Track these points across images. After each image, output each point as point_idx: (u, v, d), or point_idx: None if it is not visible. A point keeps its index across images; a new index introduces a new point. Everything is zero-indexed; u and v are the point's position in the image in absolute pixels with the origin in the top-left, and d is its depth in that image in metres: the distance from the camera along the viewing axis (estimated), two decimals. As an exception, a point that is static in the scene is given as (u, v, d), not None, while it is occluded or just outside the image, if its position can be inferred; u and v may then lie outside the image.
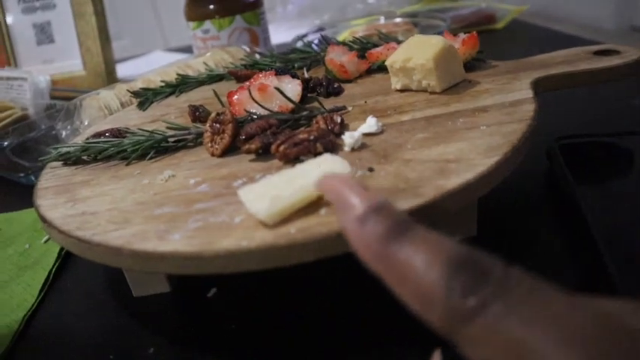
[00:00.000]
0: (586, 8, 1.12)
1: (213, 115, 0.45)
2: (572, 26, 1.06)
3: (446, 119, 0.43)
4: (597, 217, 0.39)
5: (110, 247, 0.34)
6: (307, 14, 1.32)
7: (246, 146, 0.41)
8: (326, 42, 0.64)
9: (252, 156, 0.42)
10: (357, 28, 0.99)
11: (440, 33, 0.75)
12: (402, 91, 0.51)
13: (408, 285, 0.23)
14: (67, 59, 1.07)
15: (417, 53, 0.49)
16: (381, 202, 0.26)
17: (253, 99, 0.46)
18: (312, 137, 0.40)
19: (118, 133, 0.49)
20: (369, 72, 0.59)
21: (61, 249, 0.52)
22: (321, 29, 1.00)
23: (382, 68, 0.58)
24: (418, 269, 0.23)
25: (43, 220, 0.39)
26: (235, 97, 0.49)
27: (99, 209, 0.39)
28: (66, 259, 0.51)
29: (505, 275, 0.22)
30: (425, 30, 0.86)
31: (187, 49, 1.33)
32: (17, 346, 0.41)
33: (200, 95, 0.62)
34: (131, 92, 0.63)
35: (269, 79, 0.49)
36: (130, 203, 0.39)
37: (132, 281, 0.42)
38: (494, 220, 0.44)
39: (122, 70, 1.18)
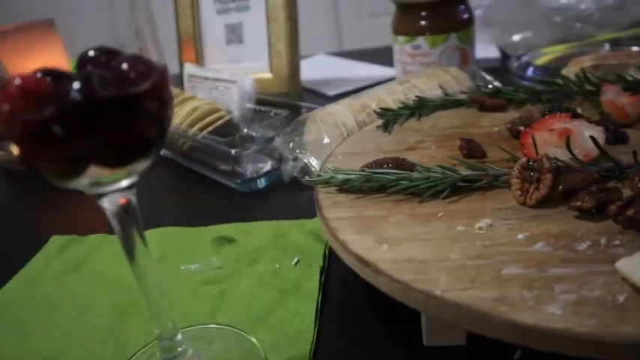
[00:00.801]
0: None
1: (523, 160, 0.42)
2: None
3: None
4: None
5: (476, 312, 0.31)
6: (482, 28, 1.27)
7: (579, 203, 0.38)
8: (586, 77, 0.60)
9: (574, 212, 0.39)
10: (556, 54, 0.94)
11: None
12: None
13: None
14: (254, 61, 1.08)
15: None
16: None
17: (569, 149, 0.42)
18: (665, 203, 0.36)
19: (399, 163, 0.47)
20: (645, 116, 0.54)
21: (321, 276, 0.50)
22: (521, 56, 0.96)
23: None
24: None
25: (364, 262, 0.38)
26: (533, 138, 0.45)
27: (425, 257, 0.37)
28: (324, 288, 0.50)
29: None
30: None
31: (348, 55, 1.32)
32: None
33: (446, 122, 0.60)
34: (376, 112, 0.61)
35: (570, 124, 0.45)
36: (461, 255, 0.36)
37: (430, 330, 0.40)
38: None
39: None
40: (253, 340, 0.44)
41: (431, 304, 0.33)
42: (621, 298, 0.30)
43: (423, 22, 0.83)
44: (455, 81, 0.73)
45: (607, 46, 0.86)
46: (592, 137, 0.43)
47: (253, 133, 0.76)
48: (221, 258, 0.56)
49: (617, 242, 0.35)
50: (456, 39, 0.82)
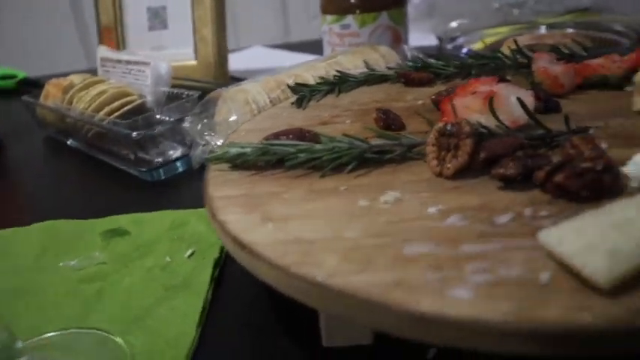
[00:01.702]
0: None
1: (439, 126, 0.36)
2: None
3: None
4: None
5: (365, 300, 0.24)
6: (423, 17, 1.23)
7: (501, 170, 0.32)
8: (519, 49, 0.54)
9: (497, 182, 0.33)
10: (493, 38, 0.90)
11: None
12: (647, 114, 0.41)
13: None
14: (179, 47, 1.00)
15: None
16: None
17: (492, 112, 0.36)
18: (599, 167, 0.30)
19: (302, 135, 0.40)
20: (581, 87, 0.49)
21: (214, 271, 0.43)
22: (454, 38, 0.91)
23: (598, 84, 0.48)
24: None
25: (240, 244, 0.30)
26: (454, 103, 0.39)
27: (316, 237, 0.30)
28: (217, 284, 0.42)
29: None
30: (606, 46, 0.75)
31: (286, 47, 1.26)
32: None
33: (368, 97, 0.53)
34: (290, 87, 0.54)
35: (496, 87, 0.39)
36: (359, 233, 0.30)
37: (328, 327, 0.33)
38: None
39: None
40: (121, 344, 0.36)
41: (313, 293, 0.26)
42: (544, 277, 0.24)
43: (352, 0, 0.77)
44: (383, 59, 0.67)
45: (543, 29, 0.82)
46: (519, 99, 0.37)
47: (159, 116, 0.68)
48: (107, 252, 0.48)
49: (544, 213, 0.29)
50: (387, 18, 0.76)
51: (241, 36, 1.66)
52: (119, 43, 1.03)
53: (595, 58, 0.49)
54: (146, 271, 0.44)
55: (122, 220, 0.53)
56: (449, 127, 0.35)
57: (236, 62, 1.09)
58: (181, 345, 0.36)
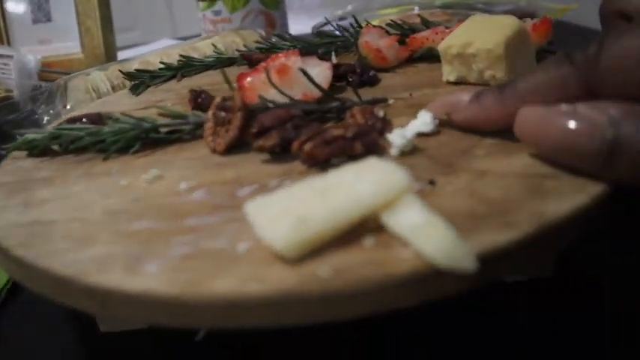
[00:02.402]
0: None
1: (217, 100, 0.35)
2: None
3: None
4: None
5: (57, 277, 0.23)
6: (329, 5, 1.22)
7: (260, 142, 0.31)
8: (358, 24, 0.54)
9: (267, 156, 0.32)
10: (385, 19, 0.89)
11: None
12: (455, 83, 0.41)
13: (547, 91, 0.27)
14: (65, 40, 0.97)
15: (481, 36, 0.38)
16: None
17: (271, 83, 0.35)
18: (349, 134, 0.29)
19: (98, 119, 0.39)
20: (410, 61, 0.48)
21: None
22: (342, 19, 0.90)
23: (427, 57, 0.47)
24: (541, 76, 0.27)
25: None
26: (248, 80, 0.38)
27: (56, 218, 0.29)
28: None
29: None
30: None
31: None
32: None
33: (206, 80, 0.52)
34: (123, 74, 0.52)
35: (291, 60, 0.39)
36: (98, 212, 0.28)
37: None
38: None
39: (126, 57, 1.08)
40: None
41: (25, 275, 0.25)
42: (242, 248, 0.23)
43: (224, -16, 0.76)
44: (245, 42, 0.65)
45: (416, 9, 0.82)
46: (303, 71, 0.36)
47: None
48: None
49: (287, 183, 0.29)
50: (258, 2, 0.75)
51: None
52: (3, 38, 1.00)
53: (423, 32, 0.49)
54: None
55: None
56: (225, 102, 0.34)
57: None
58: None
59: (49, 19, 0.98)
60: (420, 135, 0.32)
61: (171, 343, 0.31)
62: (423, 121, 0.32)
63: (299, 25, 1.12)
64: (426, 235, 0.21)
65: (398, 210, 0.22)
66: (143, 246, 0.24)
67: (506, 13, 0.98)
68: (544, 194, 0.24)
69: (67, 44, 0.98)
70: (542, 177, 0.26)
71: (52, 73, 0.83)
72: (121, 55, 1.03)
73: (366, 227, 0.23)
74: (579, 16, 1.03)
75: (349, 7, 1.06)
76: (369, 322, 0.22)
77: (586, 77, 0.25)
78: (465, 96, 0.31)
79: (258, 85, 0.38)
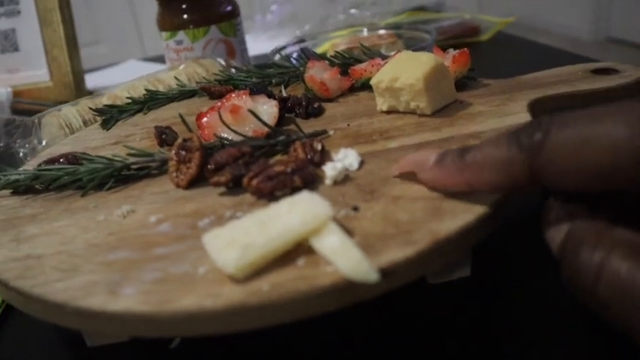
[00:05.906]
0: (563, 20, 1.10)
1: (179, 140, 0.40)
2: (551, 37, 1.04)
3: (437, 146, 0.39)
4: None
5: (51, 303, 0.29)
6: (287, 24, 1.28)
7: (215, 178, 0.37)
8: (306, 56, 0.60)
9: (222, 189, 0.38)
10: (338, 40, 0.95)
11: (426, 47, 0.71)
12: (388, 112, 0.47)
13: (496, 168, 0.28)
14: (33, 69, 1.02)
15: (405, 72, 0.45)
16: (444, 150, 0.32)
17: (224, 123, 0.41)
18: (289, 169, 0.35)
19: (74, 158, 0.44)
20: (353, 89, 0.55)
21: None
22: (301, 41, 0.96)
23: (366, 86, 0.54)
24: (492, 151, 0.28)
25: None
26: (205, 119, 0.44)
27: (45, 252, 0.34)
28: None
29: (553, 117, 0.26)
30: (409, 42, 0.82)
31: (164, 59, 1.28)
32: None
33: (170, 114, 0.57)
34: (94, 110, 0.58)
35: (242, 100, 0.44)
36: (81, 245, 0.34)
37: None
38: (489, 257, 0.40)
39: (94, 80, 1.12)
40: None
41: (23, 303, 0.31)
42: (202, 271, 0.29)
43: (185, 16, 0.81)
44: (207, 72, 0.71)
45: (365, 31, 0.88)
46: (251, 111, 0.42)
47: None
48: None
49: (239, 214, 0.34)
50: (217, 31, 0.81)
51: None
52: (-29, 68, 1.03)
53: (362, 64, 0.55)
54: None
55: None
56: (185, 143, 0.40)
57: (106, 78, 1.11)
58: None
59: (16, 49, 1.02)
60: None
61: (150, 352, 0.37)
62: (350, 161, 0.38)
63: (260, 44, 1.19)
64: (342, 256, 0.27)
65: (322, 235, 0.28)
66: (121, 273, 0.30)
67: (451, 26, 1.05)
68: (441, 215, 0.31)
69: (34, 73, 1.02)
70: (441, 199, 0.32)
71: (23, 104, 0.87)
72: (89, 78, 1.07)
73: (299, 250, 0.29)
74: (516, 27, 1.11)
75: (307, 27, 1.12)
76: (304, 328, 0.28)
77: (529, 162, 0.25)
78: (431, 156, 0.32)
79: (214, 123, 0.44)
